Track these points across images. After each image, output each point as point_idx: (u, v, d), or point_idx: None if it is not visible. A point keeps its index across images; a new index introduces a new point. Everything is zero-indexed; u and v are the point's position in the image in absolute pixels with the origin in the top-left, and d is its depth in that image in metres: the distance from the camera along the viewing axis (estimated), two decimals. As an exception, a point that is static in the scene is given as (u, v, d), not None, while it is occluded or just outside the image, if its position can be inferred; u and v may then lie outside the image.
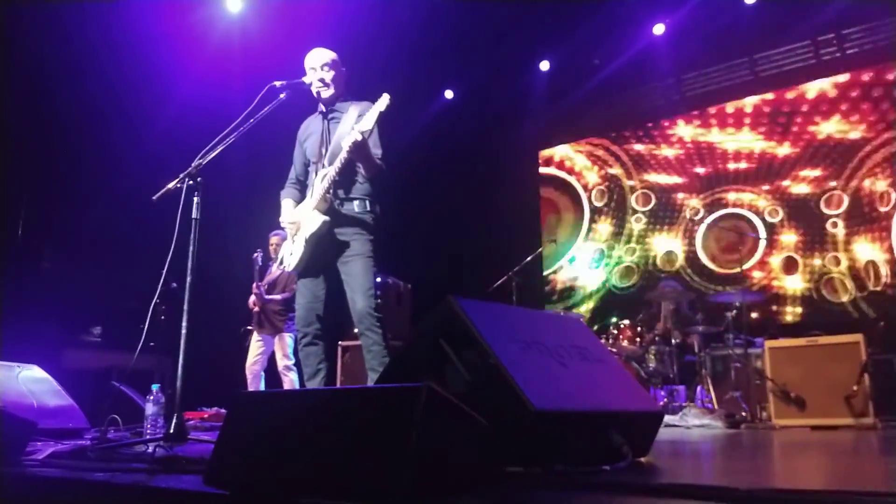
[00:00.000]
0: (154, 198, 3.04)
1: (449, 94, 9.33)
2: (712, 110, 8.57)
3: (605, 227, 9.22)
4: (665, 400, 5.78)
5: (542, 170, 9.97)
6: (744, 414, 5.29)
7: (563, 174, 9.74)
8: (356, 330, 3.45)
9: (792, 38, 7.95)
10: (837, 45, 7.79)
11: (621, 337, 6.28)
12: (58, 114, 6.17)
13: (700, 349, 6.12)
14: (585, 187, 9.50)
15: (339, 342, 5.97)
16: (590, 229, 9.33)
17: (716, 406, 5.63)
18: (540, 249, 6.83)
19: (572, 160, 9.70)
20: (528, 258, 6.62)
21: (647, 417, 2.38)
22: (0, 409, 2.28)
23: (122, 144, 6.25)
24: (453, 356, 2.15)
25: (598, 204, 9.33)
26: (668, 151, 8.88)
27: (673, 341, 6.11)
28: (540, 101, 9.32)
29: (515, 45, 8.39)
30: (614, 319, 6.48)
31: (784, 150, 8.02)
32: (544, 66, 8.77)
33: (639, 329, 6.33)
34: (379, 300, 3.39)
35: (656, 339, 6.25)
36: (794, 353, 5.02)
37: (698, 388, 5.95)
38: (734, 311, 6.00)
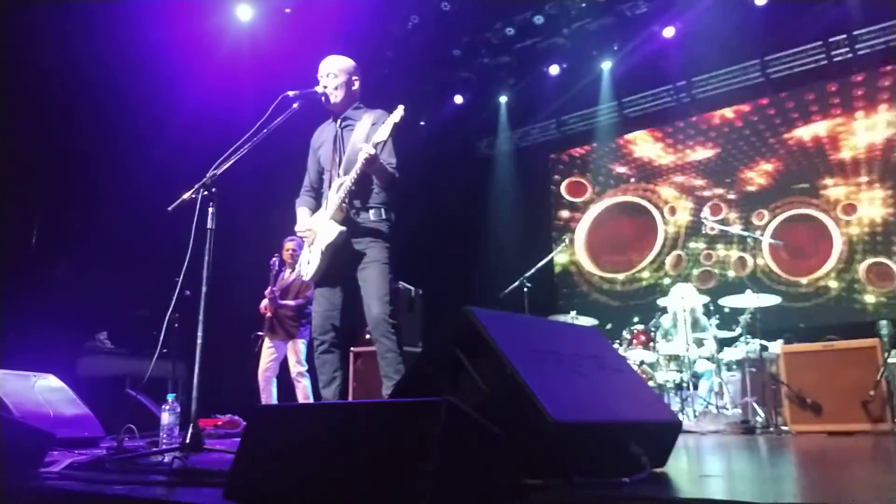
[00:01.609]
0: (169, 209, 3.06)
1: (458, 99, 9.33)
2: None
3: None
4: (679, 406, 5.75)
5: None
6: (759, 420, 5.25)
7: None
8: (368, 336, 3.45)
9: (803, 39, 7.91)
10: (849, 45, 7.75)
11: (634, 342, 6.25)
12: (71, 123, 6.22)
13: (714, 354, 6.08)
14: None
15: (352, 348, 5.97)
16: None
17: (731, 412, 5.60)
18: (551, 255, 6.80)
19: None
20: (540, 263, 6.60)
21: (665, 428, 2.36)
22: (19, 422, 2.30)
23: (135, 153, 6.28)
24: (469, 366, 2.15)
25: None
26: (688, 153, 8.87)
27: (686, 346, 6.07)
28: (549, 105, 9.31)
29: (525, 49, 8.40)
30: (628, 325, 6.46)
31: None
32: (554, 69, 8.76)
33: (652, 334, 6.30)
34: (393, 306, 3.38)
35: (669, 344, 6.22)
36: (809, 357, 4.98)
37: (713, 394, 5.91)
38: (749, 316, 5.96)
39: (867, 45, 7.63)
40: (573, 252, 9.19)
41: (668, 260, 8.71)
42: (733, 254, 8.25)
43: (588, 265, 9.10)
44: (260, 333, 5.98)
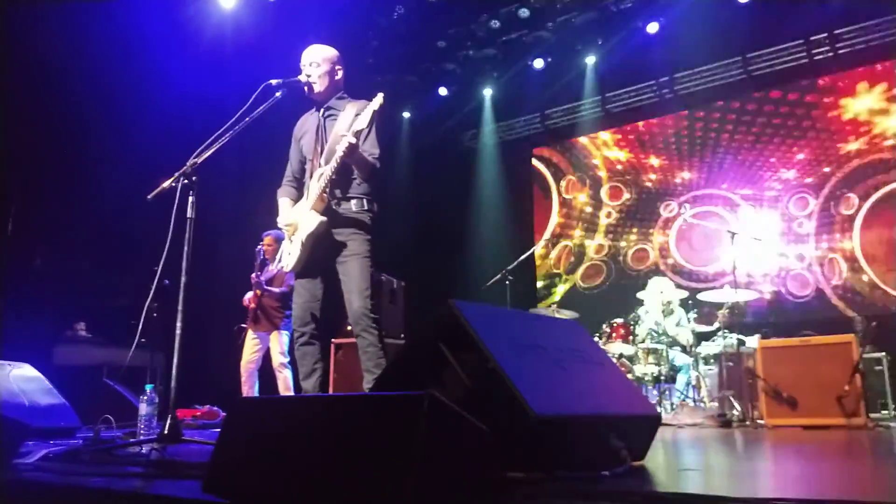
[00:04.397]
0: (149, 197, 3.02)
1: (443, 91, 9.30)
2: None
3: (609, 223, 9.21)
4: (657, 399, 5.81)
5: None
6: (736, 413, 5.31)
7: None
8: (349, 327, 3.44)
9: (785, 37, 7.99)
10: (830, 44, 7.83)
11: (614, 335, 6.30)
12: (49, 110, 6.10)
13: (692, 347, 6.14)
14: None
15: (332, 340, 5.96)
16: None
17: (708, 405, 5.66)
18: (533, 249, 6.82)
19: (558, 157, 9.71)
20: (522, 256, 6.62)
21: (645, 421, 2.38)
22: (-6, 413, 2.26)
23: (114, 140, 6.18)
24: (452, 360, 2.15)
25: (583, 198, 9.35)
26: (660, 149, 8.93)
27: (665, 339, 6.12)
28: (534, 99, 9.32)
29: (510, 42, 8.39)
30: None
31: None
32: (539, 63, 8.76)
33: (631, 327, 6.35)
34: (374, 300, 3.37)
35: (648, 337, 6.27)
36: (785, 352, 5.04)
37: (690, 387, 5.97)
38: (726, 310, 6.02)
39: (847, 44, 7.72)
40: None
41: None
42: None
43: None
44: (243, 325, 5.95)
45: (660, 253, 8.58)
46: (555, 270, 9.31)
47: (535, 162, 9.89)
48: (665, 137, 8.90)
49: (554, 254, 9.31)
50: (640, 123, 9.12)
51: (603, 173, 9.29)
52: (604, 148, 9.35)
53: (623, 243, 8.88)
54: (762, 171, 8.13)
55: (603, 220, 9.11)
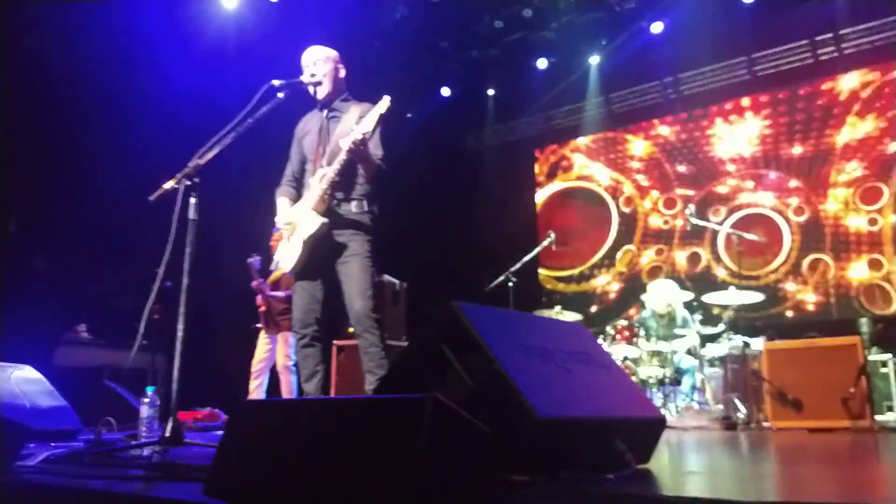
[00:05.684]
0: (151, 198, 3.00)
1: (446, 91, 9.29)
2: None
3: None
4: (662, 401, 5.78)
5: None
6: (741, 415, 5.28)
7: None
8: (351, 329, 3.42)
9: (790, 37, 7.96)
10: (835, 44, 7.80)
11: (619, 338, 6.28)
12: (51, 111, 6.11)
13: (697, 350, 6.12)
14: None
15: (334, 341, 5.94)
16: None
17: (713, 408, 5.63)
18: (537, 250, 6.79)
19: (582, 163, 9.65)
20: (526, 258, 6.59)
21: (649, 424, 2.36)
22: (-5, 415, 2.25)
23: (116, 141, 6.18)
24: (455, 362, 2.13)
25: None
26: (667, 149, 8.89)
27: (669, 342, 6.10)
28: (537, 99, 9.31)
29: (513, 42, 8.37)
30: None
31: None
32: (542, 63, 8.75)
33: (635, 330, 6.33)
34: (376, 300, 3.35)
35: (652, 339, 6.24)
36: (791, 354, 5.01)
37: (695, 390, 5.95)
38: (731, 312, 6.00)
39: (853, 44, 7.69)
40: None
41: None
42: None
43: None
44: (258, 325, 5.98)
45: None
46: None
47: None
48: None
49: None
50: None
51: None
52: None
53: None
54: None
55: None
